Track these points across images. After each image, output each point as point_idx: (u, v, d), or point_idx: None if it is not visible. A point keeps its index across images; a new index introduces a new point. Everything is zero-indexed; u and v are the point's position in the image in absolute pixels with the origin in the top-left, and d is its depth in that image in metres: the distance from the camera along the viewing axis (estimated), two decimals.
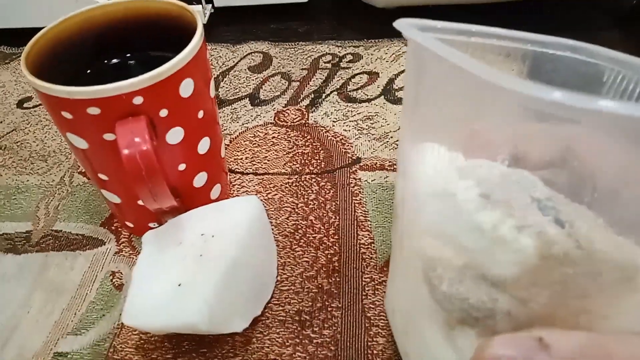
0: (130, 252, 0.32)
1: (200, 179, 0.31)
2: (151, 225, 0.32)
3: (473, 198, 0.18)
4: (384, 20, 0.48)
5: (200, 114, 0.28)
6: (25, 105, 0.45)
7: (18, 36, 0.52)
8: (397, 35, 0.48)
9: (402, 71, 0.44)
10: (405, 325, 0.23)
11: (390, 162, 0.37)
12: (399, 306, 0.24)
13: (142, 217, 0.31)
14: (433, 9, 0.49)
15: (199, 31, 0.27)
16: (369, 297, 0.29)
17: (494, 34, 0.23)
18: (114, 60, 0.31)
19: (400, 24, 0.21)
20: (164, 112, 0.26)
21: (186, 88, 0.26)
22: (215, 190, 0.32)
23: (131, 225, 0.32)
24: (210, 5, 0.50)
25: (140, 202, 0.30)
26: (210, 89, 0.29)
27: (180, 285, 0.25)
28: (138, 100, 0.25)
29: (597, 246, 0.15)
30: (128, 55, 0.31)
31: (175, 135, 0.27)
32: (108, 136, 0.26)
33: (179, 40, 0.29)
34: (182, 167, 0.29)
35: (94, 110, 0.25)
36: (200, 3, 0.48)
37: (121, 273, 0.31)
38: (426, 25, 0.22)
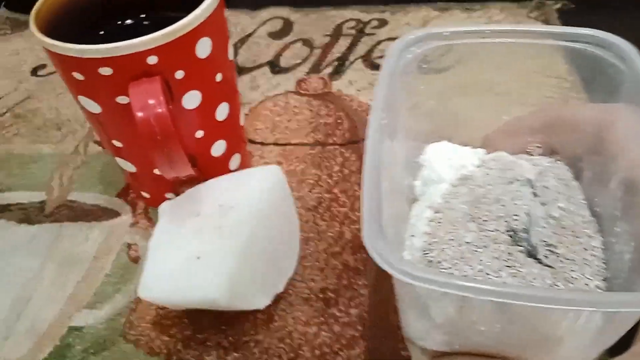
0: (147, 223, 0.31)
1: (218, 148, 0.29)
2: (168, 195, 0.30)
3: (417, 249, 0.20)
4: None
5: (219, 77, 0.27)
6: (39, 73, 0.43)
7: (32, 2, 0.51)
8: (424, 0, 0.45)
9: None
10: None
11: None
12: None
13: (159, 187, 0.30)
14: None
15: None
16: None
17: (510, 31, 0.22)
18: (128, 21, 0.29)
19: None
20: (179, 74, 0.24)
21: (203, 48, 0.25)
22: (235, 161, 0.31)
23: (147, 195, 0.31)
24: None
25: (156, 171, 0.28)
26: (229, 50, 0.27)
27: (198, 258, 0.24)
28: (152, 59, 0.23)
29: (517, 313, 0.17)
30: (142, 15, 0.29)
31: (192, 99, 0.26)
32: (121, 99, 0.24)
33: (195, 0, 0.27)
34: (199, 134, 0.27)
35: (106, 71, 0.23)
36: None
37: (137, 245, 0.30)
38: (433, 33, 0.22)
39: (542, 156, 0.22)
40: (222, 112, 0.28)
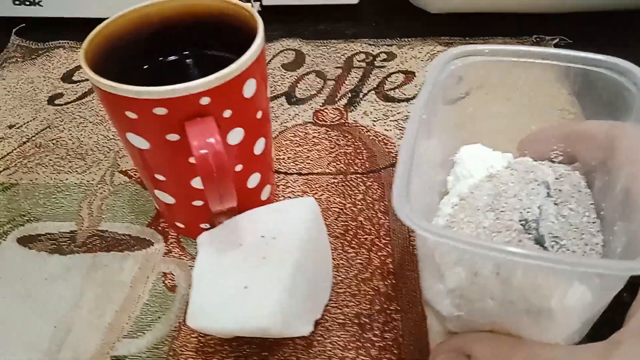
0: (180, 253, 0.32)
1: (253, 180, 0.30)
2: (203, 226, 0.31)
3: (440, 227, 0.23)
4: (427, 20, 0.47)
5: (259, 115, 0.28)
6: (56, 102, 0.44)
7: (40, 30, 0.51)
8: (431, 34, 0.48)
9: None
10: None
11: None
12: None
13: (195, 218, 0.31)
14: (492, 15, 0.48)
15: (261, 30, 0.27)
16: None
17: (545, 53, 0.25)
18: (170, 57, 0.31)
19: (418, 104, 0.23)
20: (227, 113, 0.26)
21: (249, 88, 0.26)
22: (265, 191, 0.32)
23: (182, 225, 0.32)
24: (258, 3, 0.49)
25: (195, 203, 0.29)
26: (267, 88, 0.29)
27: (246, 287, 0.25)
28: (205, 100, 0.24)
29: (514, 283, 0.20)
30: (184, 52, 0.31)
31: (235, 136, 0.27)
32: (171, 136, 0.25)
33: (233, 38, 0.29)
34: (238, 167, 0.29)
35: (160, 111, 0.24)
36: (249, 1, 0.48)
37: (173, 274, 0.31)
38: (474, 50, 0.25)
39: (562, 164, 0.26)
40: (259, 146, 0.29)
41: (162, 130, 0.25)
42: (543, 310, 0.20)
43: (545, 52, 0.25)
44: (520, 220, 0.22)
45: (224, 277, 0.26)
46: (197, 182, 0.28)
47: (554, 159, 0.26)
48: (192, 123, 0.24)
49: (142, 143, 0.26)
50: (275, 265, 0.26)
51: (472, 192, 0.24)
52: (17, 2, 0.50)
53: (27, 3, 0.50)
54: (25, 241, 0.33)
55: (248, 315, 0.24)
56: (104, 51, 0.28)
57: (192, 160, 0.27)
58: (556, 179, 0.24)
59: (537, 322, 0.21)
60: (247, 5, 0.28)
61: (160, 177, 0.28)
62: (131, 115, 0.25)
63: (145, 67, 0.30)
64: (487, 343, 0.21)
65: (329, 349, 0.27)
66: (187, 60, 0.31)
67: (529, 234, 0.22)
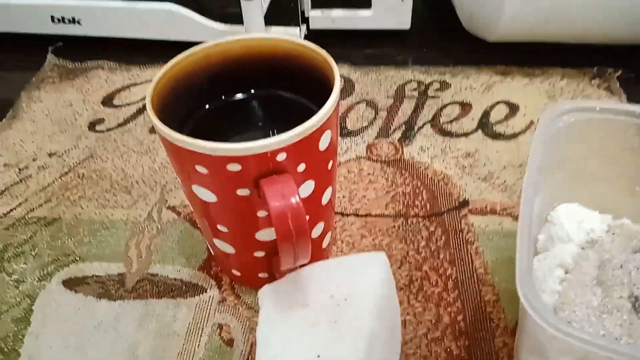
0: (235, 301, 0.30)
1: (317, 230, 0.29)
2: (261, 275, 0.29)
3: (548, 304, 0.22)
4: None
5: (330, 165, 0.26)
6: (97, 128, 0.42)
7: (77, 49, 0.50)
8: (484, 62, 0.46)
9: (496, 103, 0.42)
10: None
11: (501, 206, 0.34)
12: None
13: (254, 268, 0.29)
14: (549, 44, 0.46)
15: (338, 79, 0.25)
16: None
17: None
18: (233, 97, 0.29)
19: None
20: (301, 167, 0.24)
21: (325, 141, 0.24)
22: (327, 239, 0.30)
23: (238, 274, 0.30)
24: (305, 26, 0.47)
25: (257, 254, 0.28)
26: (338, 136, 0.27)
27: (319, 356, 0.23)
28: (281, 157, 0.23)
29: None
30: (248, 92, 0.29)
31: (306, 189, 0.25)
32: (242, 192, 0.24)
33: (298, 79, 0.28)
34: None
35: (234, 167, 0.23)
36: (298, 25, 0.46)
37: (229, 326, 0.29)
38: (584, 106, 0.24)
39: None
40: (326, 196, 0.27)
41: (233, 185, 0.23)
42: None
43: None
44: (629, 297, 0.21)
45: (293, 343, 0.24)
46: (261, 235, 0.26)
47: None
48: (270, 182, 0.22)
49: (209, 196, 0.25)
50: (349, 331, 0.24)
51: (578, 263, 0.22)
52: (56, 21, 0.49)
53: (67, 21, 0.49)
54: (72, 284, 0.32)
55: None
56: (167, 94, 0.26)
57: (260, 214, 0.25)
58: None
59: None
60: (321, 49, 0.26)
61: (223, 229, 0.26)
62: (202, 170, 0.23)
63: (207, 107, 0.28)
64: None
65: None
66: (252, 101, 0.29)
67: (639, 313, 0.21)
